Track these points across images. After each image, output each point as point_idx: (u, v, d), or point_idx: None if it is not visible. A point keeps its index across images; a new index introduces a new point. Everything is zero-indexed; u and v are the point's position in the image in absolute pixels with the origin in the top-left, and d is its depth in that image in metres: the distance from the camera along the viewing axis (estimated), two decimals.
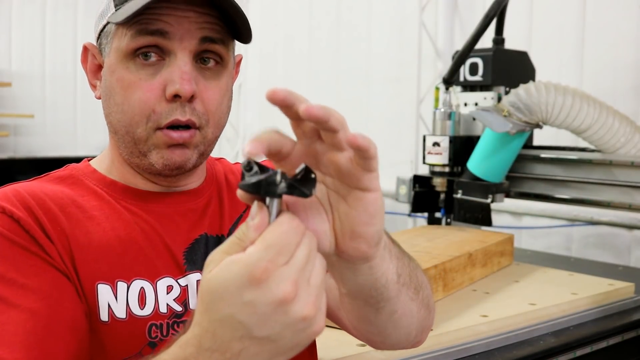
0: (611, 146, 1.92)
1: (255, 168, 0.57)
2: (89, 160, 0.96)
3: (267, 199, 0.58)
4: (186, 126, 0.86)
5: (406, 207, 2.63)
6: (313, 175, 0.60)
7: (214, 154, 0.97)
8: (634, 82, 2.70)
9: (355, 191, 0.63)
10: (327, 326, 1.22)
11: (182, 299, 0.87)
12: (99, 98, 0.91)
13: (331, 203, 0.65)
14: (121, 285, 0.83)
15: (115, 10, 0.85)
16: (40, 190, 0.85)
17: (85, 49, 0.93)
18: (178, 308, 0.87)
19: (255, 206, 0.59)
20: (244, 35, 0.90)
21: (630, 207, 1.90)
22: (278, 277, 0.56)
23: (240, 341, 0.57)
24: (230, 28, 0.89)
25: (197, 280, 0.89)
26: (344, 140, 0.60)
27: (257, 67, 4.95)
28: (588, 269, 1.95)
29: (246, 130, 5.06)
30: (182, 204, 0.93)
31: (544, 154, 2.09)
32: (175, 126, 0.85)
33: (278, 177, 0.57)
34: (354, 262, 0.69)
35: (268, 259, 0.56)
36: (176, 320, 0.86)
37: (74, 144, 5.08)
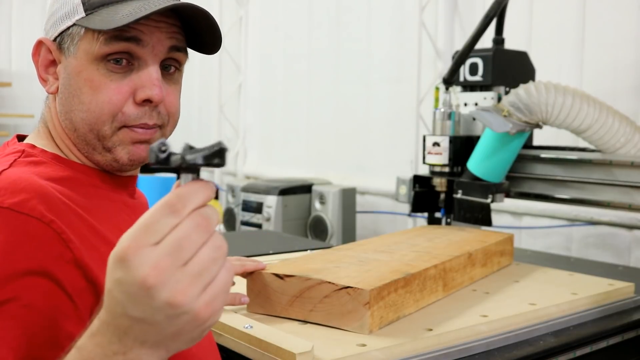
0: (611, 146, 1.92)
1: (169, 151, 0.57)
2: (32, 147, 0.94)
3: (182, 176, 0.59)
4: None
5: (406, 207, 2.63)
6: (220, 148, 0.58)
7: None
8: (634, 82, 2.70)
9: None
10: (328, 326, 1.22)
11: None
12: (53, 93, 0.96)
13: None
14: None
15: (86, 15, 0.90)
16: (52, 190, 0.83)
17: (40, 43, 0.96)
18: None
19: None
20: (210, 45, 0.98)
21: (630, 207, 1.90)
22: (140, 258, 0.56)
23: (123, 318, 0.58)
24: (193, 37, 0.97)
25: None
26: None
27: (257, 67, 4.95)
28: (588, 269, 1.95)
29: (246, 130, 5.05)
30: (132, 187, 1.03)
31: (544, 154, 2.09)
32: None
33: (159, 147, 0.56)
34: None
35: (133, 237, 0.57)
36: None
37: None
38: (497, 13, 2.12)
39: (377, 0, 3.89)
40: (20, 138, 1.00)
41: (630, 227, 2.73)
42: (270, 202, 3.62)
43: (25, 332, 0.73)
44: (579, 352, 1.40)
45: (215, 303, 0.58)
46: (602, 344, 1.45)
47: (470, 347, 1.25)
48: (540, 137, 2.32)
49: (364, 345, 1.13)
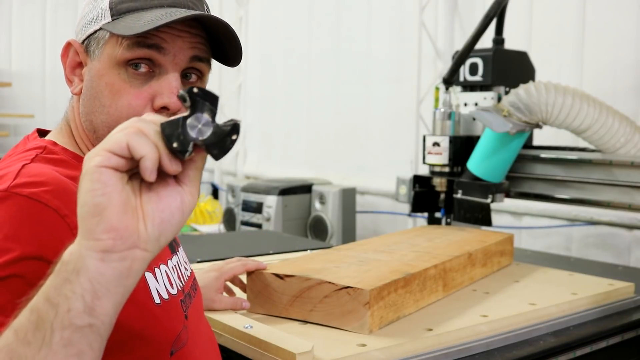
0: (611, 146, 1.92)
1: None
2: (54, 145, 0.95)
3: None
4: None
5: (406, 207, 2.63)
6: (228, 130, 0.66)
7: None
8: (634, 82, 2.70)
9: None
10: (328, 326, 1.22)
11: (178, 275, 1.02)
12: (77, 94, 0.98)
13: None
14: (157, 271, 0.94)
15: (112, 20, 0.93)
16: (72, 186, 0.84)
17: (69, 45, 0.98)
18: (181, 283, 1.01)
19: None
20: (232, 58, 0.99)
21: (630, 207, 1.90)
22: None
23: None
24: (217, 49, 0.98)
25: (177, 261, 1.04)
26: None
27: (257, 67, 4.95)
28: (588, 269, 1.95)
29: (246, 130, 5.05)
30: None
31: (544, 154, 2.09)
32: None
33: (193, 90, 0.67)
34: None
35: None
36: (187, 293, 1.02)
37: None
38: (497, 13, 2.12)
39: (377, 0, 3.90)
40: (42, 132, 1.02)
41: (630, 227, 2.73)
42: (270, 202, 3.62)
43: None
44: (579, 352, 1.40)
45: (96, 150, 0.65)
46: (602, 344, 1.45)
47: (470, 347, 1.25)
48: (540, 137, 2.32)
49: (364, 345, 1.13)
